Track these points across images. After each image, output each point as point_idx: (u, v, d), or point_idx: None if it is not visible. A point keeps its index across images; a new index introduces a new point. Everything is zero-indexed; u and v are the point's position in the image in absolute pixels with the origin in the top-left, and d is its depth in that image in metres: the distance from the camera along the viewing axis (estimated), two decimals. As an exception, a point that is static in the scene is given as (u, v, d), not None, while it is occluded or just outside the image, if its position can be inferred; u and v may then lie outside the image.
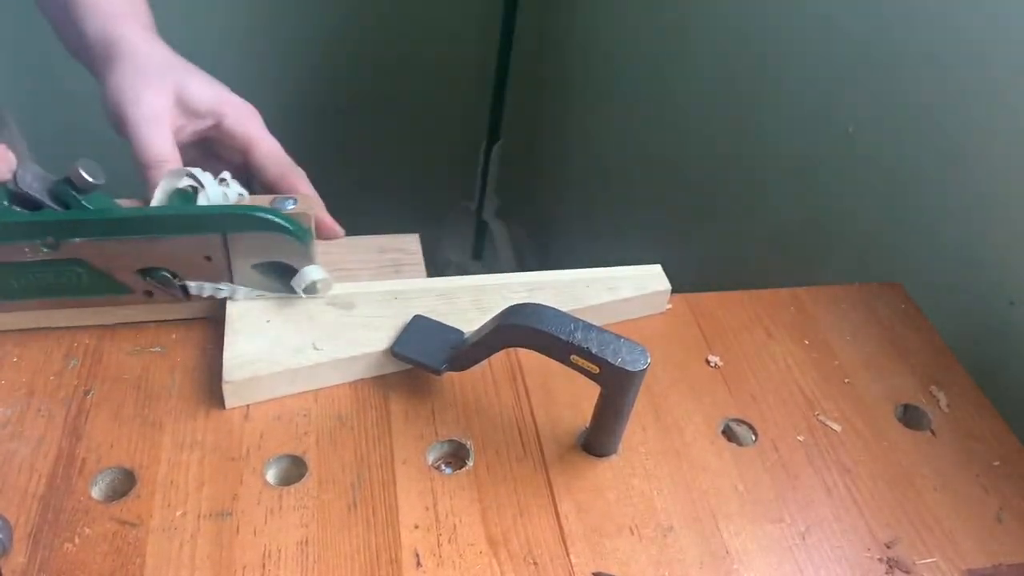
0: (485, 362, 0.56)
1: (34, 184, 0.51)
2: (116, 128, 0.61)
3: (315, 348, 0.56)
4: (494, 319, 0.52)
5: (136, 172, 0.58)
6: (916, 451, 0.56)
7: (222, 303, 0.58)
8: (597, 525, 0.50)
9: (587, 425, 0.54)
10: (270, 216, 0.54)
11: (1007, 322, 0.66)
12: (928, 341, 0.64)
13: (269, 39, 1.42)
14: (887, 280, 0.69)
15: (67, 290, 0.55)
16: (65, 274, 0.54)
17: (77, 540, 0.47)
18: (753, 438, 0.56)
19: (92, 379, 0.55)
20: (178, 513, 0.48)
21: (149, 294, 0.56)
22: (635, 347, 0.48)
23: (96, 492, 0.49)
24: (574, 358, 0.49)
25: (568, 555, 0.48)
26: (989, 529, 0.51)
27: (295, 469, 0.52)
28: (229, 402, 0.54)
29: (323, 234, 0.61)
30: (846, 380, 0.60)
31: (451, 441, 0.54)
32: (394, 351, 0.56)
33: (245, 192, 0.57)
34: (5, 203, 0.51)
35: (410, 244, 0.66)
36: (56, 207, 0.52)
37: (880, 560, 0.49)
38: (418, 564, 0.47)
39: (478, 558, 0.47)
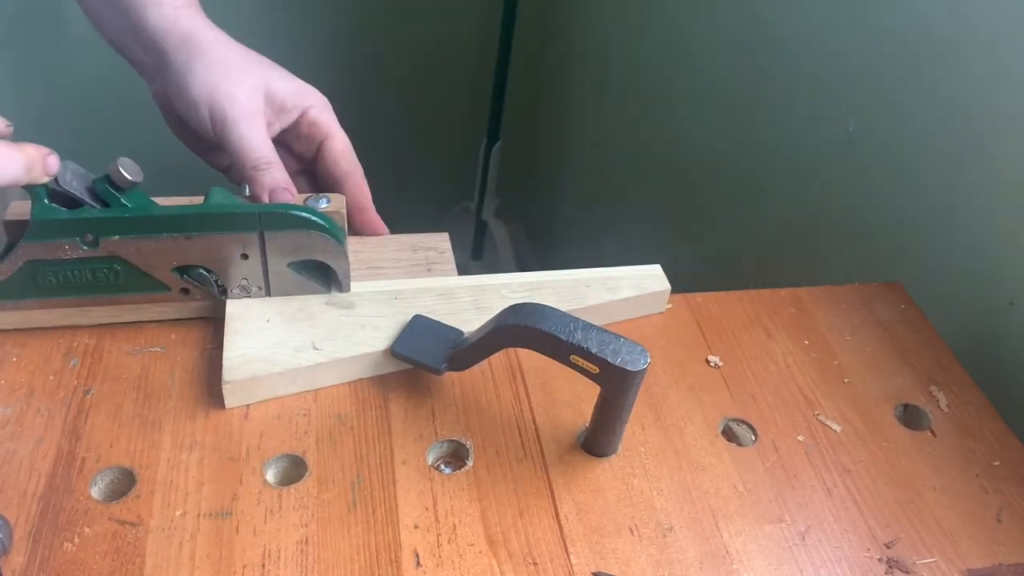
0: (485, 362, 0.56)
1: (73, 182, 0.52)
2: (188, 124, 0.60)
3: (315, 348, 0.56)
4: (494, 319, 0.52)
5: (235, 171, 0.60)
6: (916, 451, 0.56)
7: (222, 303, 0.58)
8: (597, 525, 0.50)
9: (587, 425, 0.54)
10: (308, 215, 0.54)
11: (1007, 322, 0.66)
12: (928, 341, 0.64)
13: (268, 41, 1.42)
14: (887, 280, 0.69)
15: (104, 288, 0.55)
16: (103, 272, 0.54)
17: (77, 540, 0.46)
18: (753, 438, 0.56)
19: (92, 379, 0.55)
20: (178, 513, 0.48)
21: (186, 292, 0.57)
22: (635, 347, 0.48)
23: (96, 492, 0.49)
24: (574, 358, 0.49)
25: (568, 555, 0.48)
26: (989, 529, 0.51)
27: (295, 469, 0.52)
28: (229, 402, 0.54)
29: (369, 230, 0.64)
30: (846, 380, 0.60)
31: (451, 441, 0.54)
32: (394, 351, 0.56)
33: None
34: (45, 201, 0.52)
35: (441, 243, 0.67)
36: (95, 205, 0.52)
37: (880, 560, 0.49)
38: (418, 564, 0.47)
39: (478, 558, 0.47)
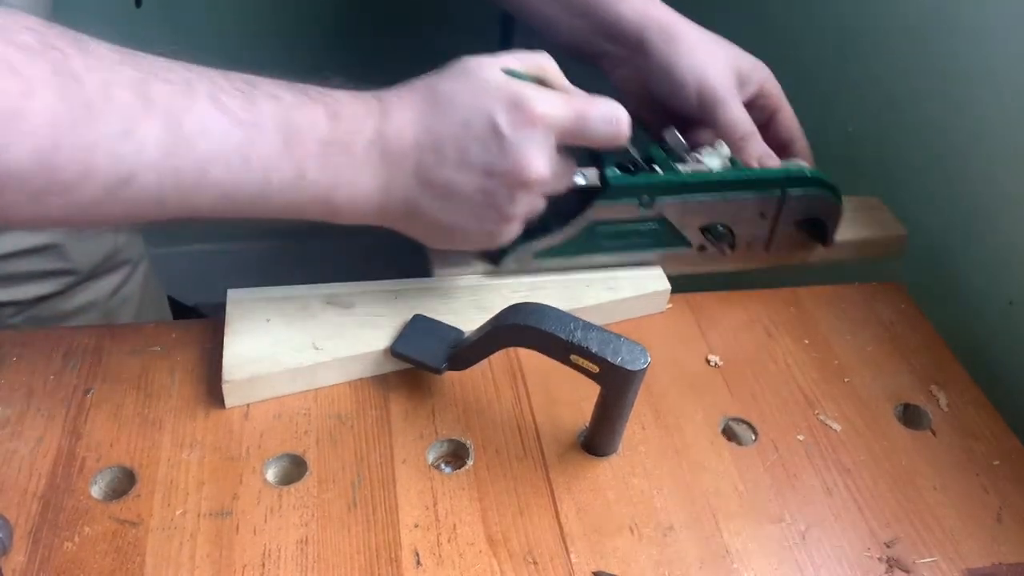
0: (485, 362, 0.56)
1: (635, 148, 0.56)
2: (666, 101, 0.65)
3: (315, 347, 0.56)
4: (494, 318, 0.52)
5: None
6: (916, 451, 0.56)
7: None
8: (597, 525, 0.50)
9: (587, 425, 0.54)
10: (823, 177, 0.60)
11: (1007, 322, 0.66)
12: (928, 341, 0.64)
13: (267, 41, 1.42)
14: (887, 280, 0.69)
15: (637, 245, 0.59)
16: (644, 230, 0.58)
17: (77, 539, 0.47)
18: (753, 438, 0.56)
19: (92, 379, 0.55)
20: (178, 512, 0.48)
21: (702, 248, 0.60)
22: (635, 346, 0.48)
23: (96, 491, 0.49)
24: (574, 358, 0.49)
25: (568, 555, 0.48)
26: (989, 529, 0.51)
27: (295, 468, 0.52)
28: (229, 401, 0.54)
29: None
30: (846, 380, 0.60)
31: (451, 440, 0.54)
32: (394, 350, 0.56)
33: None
34: (613, 167, 0.55)
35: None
36: (652, 169, 0.56)
37: (880, 560, 0.49)
38: (418, 563, 0.47)
39: (478, 557, 0.47)
